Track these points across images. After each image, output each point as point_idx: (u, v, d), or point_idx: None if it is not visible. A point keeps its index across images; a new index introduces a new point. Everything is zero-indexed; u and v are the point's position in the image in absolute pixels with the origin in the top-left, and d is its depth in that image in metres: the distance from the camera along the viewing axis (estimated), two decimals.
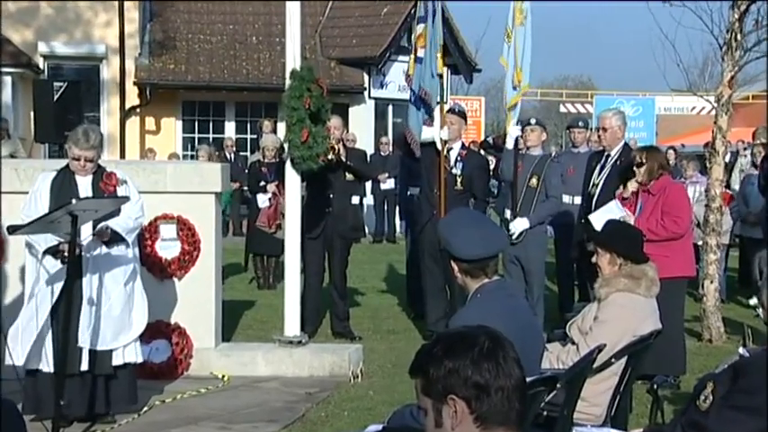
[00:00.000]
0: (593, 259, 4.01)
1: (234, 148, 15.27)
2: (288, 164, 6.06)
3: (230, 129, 16.54)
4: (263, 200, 9.54)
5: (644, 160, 5.60)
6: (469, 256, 2.98)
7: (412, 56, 6.95)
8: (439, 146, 6.83)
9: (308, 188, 7.34)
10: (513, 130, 6.71)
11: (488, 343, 1.65)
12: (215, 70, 16.00)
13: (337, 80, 16.04)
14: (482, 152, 9.54)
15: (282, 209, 9.14)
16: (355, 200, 7.66)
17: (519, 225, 6.64)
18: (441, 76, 6.73)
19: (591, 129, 9.57)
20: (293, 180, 6.08)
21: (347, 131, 12.03)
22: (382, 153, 14.94)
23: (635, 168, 5.65)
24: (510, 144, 6.73)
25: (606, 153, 6.40)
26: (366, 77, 16.40)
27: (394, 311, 8.44)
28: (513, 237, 6.61)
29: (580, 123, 8.21)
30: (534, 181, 6.72)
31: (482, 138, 19.40)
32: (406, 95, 7.13)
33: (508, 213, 6.81)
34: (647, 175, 5.59)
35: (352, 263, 7.82)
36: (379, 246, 14.35)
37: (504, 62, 6.70)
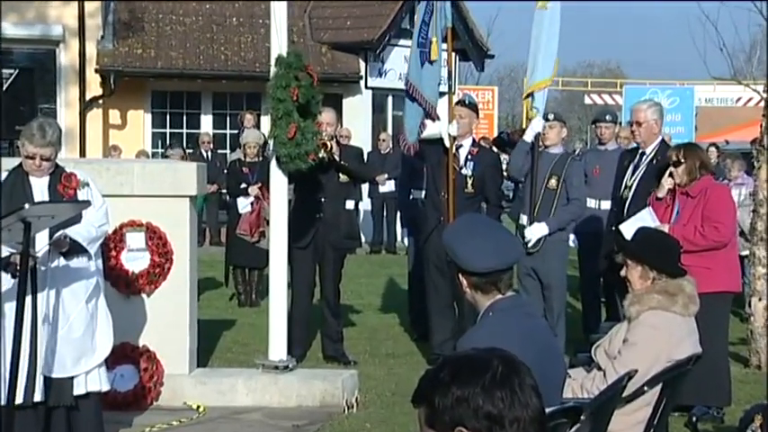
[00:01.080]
0: (623, 272, 4.03)
1: (211, 145, 15.30)
2: (273, 163, 6.08)
3: (207, 123, 16.58)
4: (244, 204, 9.56)
5: (682, 159, 5.62)
6: (480, 268, 3.00)
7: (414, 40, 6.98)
8: (447, 143, 6.85)
9: (295, 191, 7.35)
10: (536, 123, 6.74)
11: (502, 368, 1.64)
12: (189, 56, 16.05)
13: (329, 68, 16.08)
14: (495, 150, 9.56)
15: (266, 215, 9.20)
16: (350, 204, 7.69)
17: (537, 231, 6.67)
18: (432, 63, 6.73)
19: (619, 123, 9.61)
20: (279, 182, 6.11)
21: (341, 126, 12.07)
22: (381, 151, 14.98)
23: (671, 168, 5.67)
24: (530, 137, 6.75)
25: (640, 151, 6.43)
26: (362, 64, 16.45)
27: (394, 332, 8.45)
28: (530, 245, 6.65)
29: (607, 117, 8.26)
30: (553, 182, 6.75)
31: (495, 133, 19.44)
32: None
33: (524, 219, 6.84)
34: (685, 175, 5.61)
35: (346, 276, 7.82)
36: (377, 257, 14.38)
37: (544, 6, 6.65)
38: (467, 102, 7.10)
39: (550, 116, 6.91)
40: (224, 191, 12.59)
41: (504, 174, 8.07)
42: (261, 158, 9.78)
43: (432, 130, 6.87)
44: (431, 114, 6.82)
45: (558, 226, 6.70)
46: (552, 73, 6.76)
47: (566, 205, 6.74)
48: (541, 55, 6.71)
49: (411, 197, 8.37)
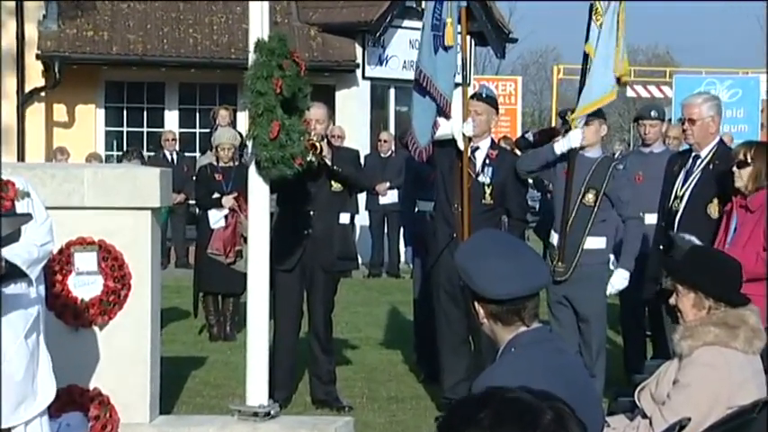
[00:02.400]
0: (672, 300, 4.04)
1: (177, 147, 15.36)
2: (252, 169, 6.10)
3: (172, 120, 16.63)
4: (216, 218, 9.59)
5: (750, 159, 5.62)
6: (500, 295, 3.01)
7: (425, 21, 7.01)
8: (460, 144, 6.88)
9: (278, 202, 7.37)
10: (576, 135, 6.72)
11: (554, 425, 1.62)
12: (150, 39, 16.11)
13: (319, 54, 16.15)
14: (518, 152, 9.58)
15: (244, 230, 9.22)
16: (344, 218, 7.70)
17: (619, 281, 6.79)
18: (447, 50, 6.76)
19: (668, 120, 9.65)
20: (259, 191, 6.13)
21: (333, 124, 12.11)
22: (381, 154, 15.03)
23: (735, 169, 5.67)
24: (561, 148, 6.74)
25: (693, 154, 6.45)
26: (359, 50, 16.51)
27: (397, 372, 8.46)
28: (612, 290, 6.78)
29: (653, 113, 8.29)
30: (590, 197, 6.77)
31: (518, 132, 19.46)
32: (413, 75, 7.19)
33: (555, 238, 6.86)
34: (750, 181, 5.62)
35: (339, 305, 7.83)
36: (376, 281, 14.40)
37: (591, 50, 6.73)
38: (484, 95, 7.13)
39: None
40: (192, 202, 12.61)
41: (530, 182, 8.09)
42: (237, 163, 9.81)
43: (443, 129, 6.89)
44: (446, 111, 6.83)
45: (633, 259, 6.78)
46: (613, 86, 6.75)
47: (629, 230, 6.79)
48: (599, 69, 6.70)
49: (417, 210, 8.39)
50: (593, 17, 6.74)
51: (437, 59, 6.79)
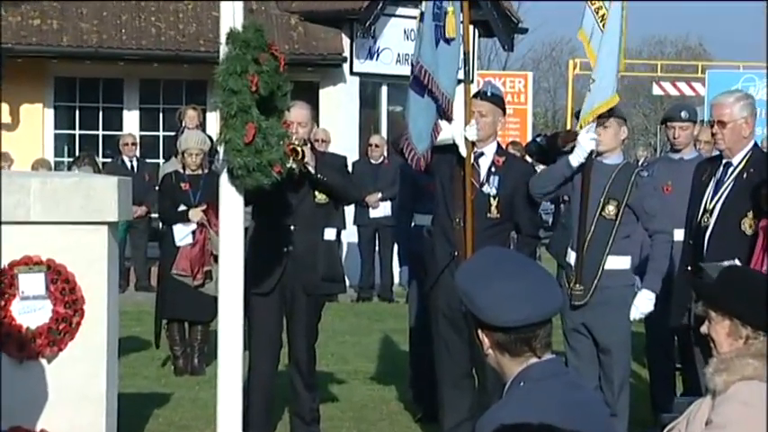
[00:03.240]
0: (704, 329, 4.05)
1: (137, 152, 15.37)
2: (223, 177, 6.11)
3: (131, 121, 16.64)
4: (183, 234, 9.59)
5: None
6: (507, 321, 3.02)
7: (421, 8, 7.02)
8: (462, 150, 6.89)
9: (254, 216, 7.37)
10: (585, 139, 6.72)
11: None
12: (106, 29, 16.12)
13: (301, 46, 16.17)
14: (528, 159, 9.61)
15: (214, 248, 9.21)
16: (330, 234, 7.72)
17: (644, 304, 6.77)
18: (448, 42, 6.77)
19: (701, 122, 9.65)
20: (232, 203, 6.13)
21: (317, 127, 12.13)
22: (372, 160, 15.06)
23: None
24: (577, 160, 6.75)
25: (725, 161, 6.47)
26: (346, 42, 16.54)
27: (390, 410, 8.46)
28: (637, 314, 6.76)
29: (683, 114, 8.31)
30: (611, 209, 6.78)
31: (529, 136, 19.51)
32: (409, 70, 7.19)
33: (572, 257, 6.87)
34: None
35: (324, 333, 7.83)
36: (366, 306, 14.39)
37: (584, 38, 6.77)
38: (489, 93, 7.14)
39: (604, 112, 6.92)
40: (155, 215, 12.60)
41: None
42: (206, 170, 9.81)
43: (444, 134, 6.90)
44: (447, 113, 6.84)
45: (660, 279, 6.78)
46: (615, 88, 6.80)
47: (655, 245, 6.78)
48: (599, 72, 6.75)
49: (413, 224, 8.39)
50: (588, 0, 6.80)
51: (438, 53, 6.79)
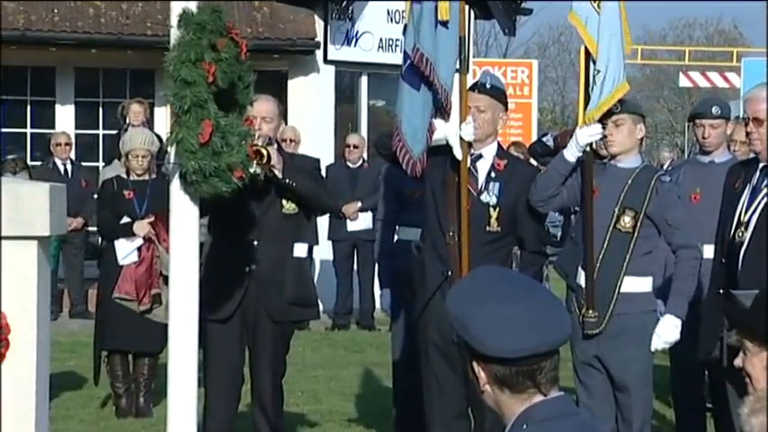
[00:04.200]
0: (738, 361, 4.07)
1: (72, 154, 15.33)
2: (174, 184, 6.12)
3: (65, 118, 16.61)
4: (126, 251, 9.57)
5: None
6: (507, 352, 3.02)
7: None
8: (457, 152, 6.89)
9: (211, 229, 7.37)
10: (584, 132, 6.75)
11: None
12: (35, 9, 16.09)
13: (267, 30, 16.17)
14: (533, 162, 9.64)
15: (164, 267, 9.19)
16: (300, 250, 7.70)
17: (668, 332, 6.77)
18: (445, 25, 6.77)
19: (736, 119, 9.67)
20: (184, 214, 6.14)
21: (285, 124, 12.15)
22: (350, 164, 15.06)
23: None
24: (572, 154, 6.78)
25: (761, 165, 6.50)
26: (320, 24, 16.56)
27: None
28: (660, 345, 6.74)
29: (714, 110, 8.33)
30: (628, 220, 6.78)
31: (534, 136, 19.54)
32: (394, 57, 7.20)
33: (582, 277, 6.89)
34: None
35: (293, 366, 7.82)
36: (343, 335, 14.39)
37: (578, 21, 6.80)
38: (488, 85, 7.15)
39: (615, 106, 6.88)
40: (93, 228, 12.58)
41: None
42: (154, 176, 9.80)
43: (435, 133, 6.90)
44: (446, 108, 6.82)
45: (686, 303, 6.78)
46: (624, 74, 6.82)
47: (680, 262, 6.79)
48: (603, 60, 6.77)
49: (398, 239, 8.40)
50: None
51: (438, 38, 6.79)
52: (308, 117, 16.06)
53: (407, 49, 6.86)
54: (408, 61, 6.83)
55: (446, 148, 6.90)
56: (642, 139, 7.07)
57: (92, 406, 9.92)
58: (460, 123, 6.86)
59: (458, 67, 7.02)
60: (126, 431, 9.06)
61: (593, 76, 6.85)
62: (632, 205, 6.79)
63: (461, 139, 6.84)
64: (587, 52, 6.93)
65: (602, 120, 6.86)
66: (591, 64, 6.91)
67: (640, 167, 6.95)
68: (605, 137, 6.89)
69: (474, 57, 18.72)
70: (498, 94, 7.14)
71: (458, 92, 6.94)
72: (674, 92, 50.54)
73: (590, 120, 6.82)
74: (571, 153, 6.82)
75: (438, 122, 6.86)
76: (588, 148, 6.85)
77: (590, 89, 6.89)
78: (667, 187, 6.92)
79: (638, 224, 6.79)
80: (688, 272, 6.83)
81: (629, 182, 6.83)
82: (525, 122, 22.19)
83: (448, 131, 6.86)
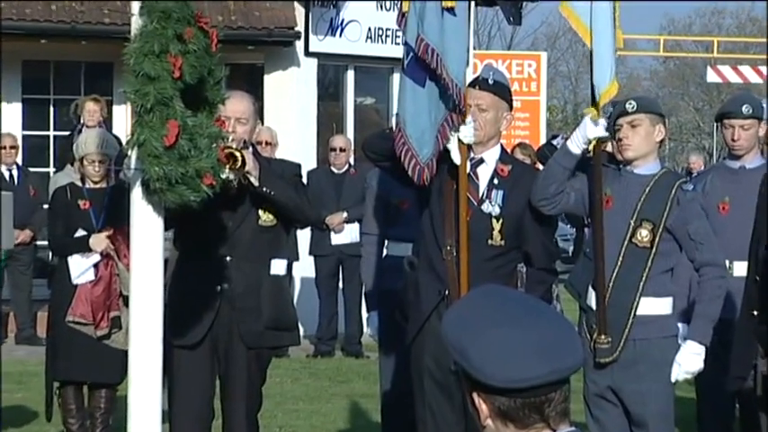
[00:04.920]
0: None
1: (18, 159, 15.32)
2: (136, 192, 6.12)
3: (11, 117, 16.56)
4: (81, 268, 9.56)
5: None
6: (511, 381, 3.04)
7: None
8: (455, 156, 6.89)
9: (178, 243, 7.37)
10: (592, 126, 6.76)
11: None
12: None
13: (240, 18, 16.18)
14: (541, 167, 9.65)
15: (123, 287, 9.18)
16: (278, 268, 7.71)
17: (689, 360, 6.76)
18: (453, 12, 6.78)
19: None
20: (148, 227, 6.14)
21: (262, 124, 12.17)
22: (335, 169, 15.06)
23: None
24: (577, 145, 6.77)
25: None
26: (300, 12, 16.57)
27: None
28: (681, 375, 6.75)
29: (745, 108, 8.35)
30: (645, 234, 6.79)
31: (542, 138, 19.57)
32: (384, 49, 7.20)
33: (593, 299, 6.90)
34: None
35: (270, 399, 7.83)
36: (326, 363, 14.38)
37: (569, 12, 6.83)
38: (491, 81, 7.15)
39: (630, 105, 6.92)
40: (43, 242, 12.56)
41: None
42: (113, 183, 9.80)
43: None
44: (460, 107, 6.78)
45: (710, 328, 6.78)
46: (613, 71, 6.85)
47: (704, 281, 6.79)
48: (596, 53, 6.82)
49: (387, 254, 8.40)
50: None
51: (445, 26, 6.79)
52: (288, 116, 16.07)
53: (409, 39, 6.83)
54: (411, 54, 6.82)
55: (442, 152, 6.90)
56: (662, 141, 7.08)
57: None
58: (460, 124, 6.85)
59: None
60: None
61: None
62: (650, 217, 6.80)
63: (460, 141, 6.84)
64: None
65: (617, 120, 6.88)
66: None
67: (659, 174, 6.95)
68: (620, 139, 6.89)
69: (475, 49, 18.73)
70: (502, 90, 7.15)
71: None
72: (700, 88, 50.64)
73: (594, 116, 6.79)
74: (576, 144, 6.81)
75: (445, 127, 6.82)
76: (598, 150, 6.84)
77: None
78: (690, 197, 6.91)
79: (657, 238, 6.79)
80: (713, 293, 6.82)
81: (647, 190, 6.84)
82: (533, 123, 22.19)
83: None
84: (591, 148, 6.83)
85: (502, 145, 7.27)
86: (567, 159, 6.84)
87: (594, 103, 6.84)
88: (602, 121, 6.80)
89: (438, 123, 6.80)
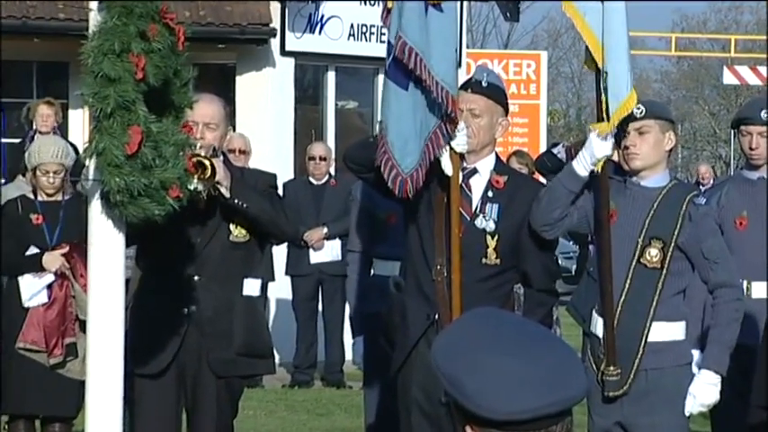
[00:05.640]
0: None
1: None
2: (94, 206, 6.12)
3: None
4: (33, 290, 9.55)
5: None
6: (508, 413, 3.05)
7: None
8: (446, 167, 6.89)
9: (141, 261, 7.37)
10: (600, 143, 6.72)
11: None
12: None
13: (210, 13, 16.18)
14: (542, 180, 9.68)
15: (80, 310, 9.16)
16: (251, 288, 7.72)
17: (705, 391, 6.76)
18: (438, 7, 6.78)
19: None
20: (107, 244, 6.14)
21: (233, 131, 12.16)
22: (314, 180, 15.06)
23: None
24: (583, 167, 6.74)
25: None
26: (275, 7, 16.57)
27: None
28: (696, 408, 6.74)
29: (763, 114, 8.37)
30: (654, 252, 6.80)
31: (542, 146, 19.61)
32: (368, 48, 7.20)
33: (599, 324, 6.90)
34: None
35: None
36: (305, 394, 14.39)
37: (573, 11, 6.85)
38: (484, 83, 7.17)
39: (638, 110, 6.91)
40: None
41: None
42: (69, 196, 9.79)
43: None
44: (451, 114, 6.77)
45: (727, 355, 6.77)
46: (631, 81, 6.81)
47: (719, 304, 6.79)
48: (610, 60, 6.77)
49: (373, 274, 8.41)
50: None
51: (429, 25, 6.78)
52: (262, 122, 16.08)
53: (391, 38, 6.87)
54: (391, 53, 6.83)
55: (431, 163, 6.90)
56: (671, 150, 7.08)
57: None
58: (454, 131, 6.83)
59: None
60: None
61: (603, 79, 6.81)
62: (660, 235, 6.79)
63: (452, 150, 6.84)
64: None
65: (623, 126, 6.86)
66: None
67: (669, 186, 6.95)
68: (627, 147, 6.88)
69: (468, 47, 18.78)
70: (497, 93, 7.16)
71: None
72: (716, 91, 50.72)
73: (603, 132, 6.77)
74: (582, 165, 6.77)
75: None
76: (605, 166, 6.82)
77: (601, 93, 6.86)
78: (703, 211, 6.91)
79: (668, 258, 6.79)
80: (729, 316, 6.81)
81: (655, 205, 6.84)
82: (532, 129, 22.28)
83: None
84: (598, 168, 6.80)
85: (497, 153, 7.27)
86: (573, 182, 6.81)
87: (601, 116, 6.81)
88: (611, 137, 6.78)
89: (428, 131, 6.79)
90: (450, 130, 6.78)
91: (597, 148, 6.73)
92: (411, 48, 6.70)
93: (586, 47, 6.94)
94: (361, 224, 8.50)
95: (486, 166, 7.10)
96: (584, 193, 6.86)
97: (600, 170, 6.80)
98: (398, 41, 6.74)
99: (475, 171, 7.06)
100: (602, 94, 6.83)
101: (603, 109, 6.82)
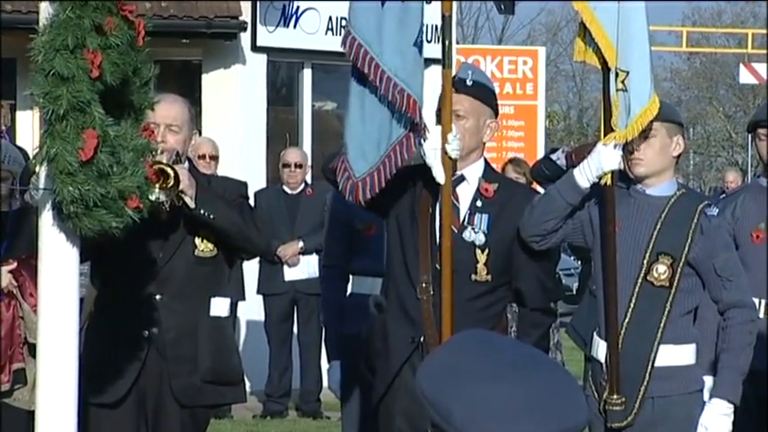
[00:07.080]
0: None
1: None
2: (45, 218, 6.13)
3: None
4: None
5: None
6: None
7: None
8: (438, 174, 6.88)
9: (96, 279, 7.38)
10: (609, 154, 6.70)
11: None
12: None
13: (173, 6, 16.19)
14: (539, 189, 9.70)
15: (29, 332, 9.16)
16: (219, 308, 7.73)
17: (717, 421, 6.78)
18: None
19: None
20: (60, 258, 6.15)
21: (199, 134, 12.18)
22: (288, 189, 15.07)
23: None
24: (586, 179, 6.71)
25: None
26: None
27: None
28: None
29: None
30: (662, 270, 6.82)
31: (540, 152, 19.64)
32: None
33: (602, 348, 6.92)
34: None
35: None
36: (278, 425, 14.43)
37: (585, 10, 6.87)
38: (468, 82, 7.18)
39: None
40: None
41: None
42: (17, 206, 9.81)
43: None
44: (415, 123, 6.77)
45: (740, 382, 6.80)
46: (653, 87, 6.81)
47: (731, 326, 6.81)
48: (630, 60, 6.77)
49: (351, 292, 8.42)
50: None
51: (384, 17, 6.82)
52: (231, 125, 16.10)
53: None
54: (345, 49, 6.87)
55: (415, 169, 6.91)
56: (680, 156, 7.09)
57: None
58: (447, 134, 6.83)
59: (438, 57, 7.02)
60: None
61: (615, 80, 6.78)
62: (668, 250, 6.79)
63: (445, 154, 6.82)
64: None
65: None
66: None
67: (677, 196, 6.95)
68: (630, 152, 6.85)
69: (458, 43, 18.81)
70: (483, 93, 7.18)
71: (439, 92, 6.93)
72: (732, 90, 50.83)
73: (622, 138, 6.75)
74: (585, 176, 6.74)
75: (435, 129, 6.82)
76: (614, 177, 6.79)
77: (610, 95, 6.84)
78: (716, 224, 6.92)
79: (677, 275, 6.79)
80: (742, 340, 6.83)
81: (663, 216, 6.85)
82: (529, 133, 22.25)
83: (425, 147, 6.85)
84: (606, 179, 6.77)
85: (486, 159, 7.27)
86: (572, 194, 6.78)
87: (608, 120, 6.80)
88: (618, 154, 6.74)
89: (395, 135, 6.82)
90: (422, 133, 6.79)
91: (606, 160, 6.69)
92: (360, 44, 6.77)
93: (579, 38, 6.94)
94: (336, 236, 8.49)
95: (473, 172, 7.11)
96: (583, 206, 6.86)
97: (608, 182, 6.74)
98: (347, 37, 6.83)
99: (462, 179, 7.07)
100: (614, 95, 6.79)
101: (614, 112, 6.78)
